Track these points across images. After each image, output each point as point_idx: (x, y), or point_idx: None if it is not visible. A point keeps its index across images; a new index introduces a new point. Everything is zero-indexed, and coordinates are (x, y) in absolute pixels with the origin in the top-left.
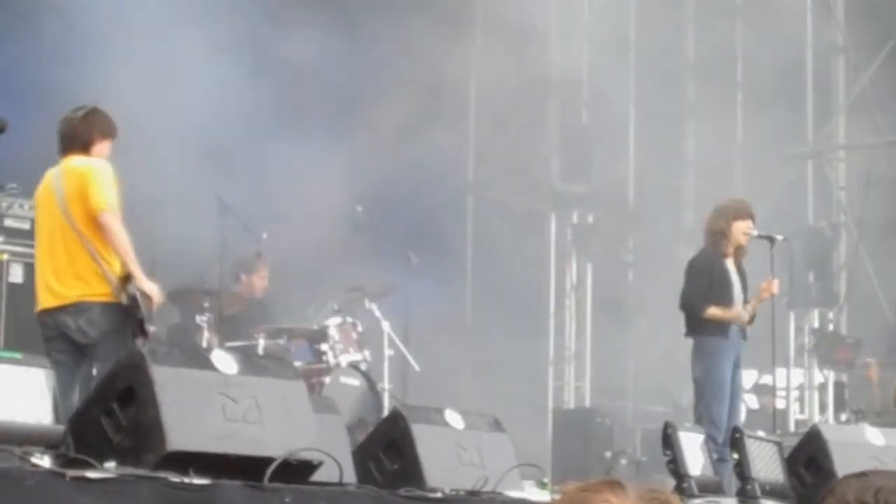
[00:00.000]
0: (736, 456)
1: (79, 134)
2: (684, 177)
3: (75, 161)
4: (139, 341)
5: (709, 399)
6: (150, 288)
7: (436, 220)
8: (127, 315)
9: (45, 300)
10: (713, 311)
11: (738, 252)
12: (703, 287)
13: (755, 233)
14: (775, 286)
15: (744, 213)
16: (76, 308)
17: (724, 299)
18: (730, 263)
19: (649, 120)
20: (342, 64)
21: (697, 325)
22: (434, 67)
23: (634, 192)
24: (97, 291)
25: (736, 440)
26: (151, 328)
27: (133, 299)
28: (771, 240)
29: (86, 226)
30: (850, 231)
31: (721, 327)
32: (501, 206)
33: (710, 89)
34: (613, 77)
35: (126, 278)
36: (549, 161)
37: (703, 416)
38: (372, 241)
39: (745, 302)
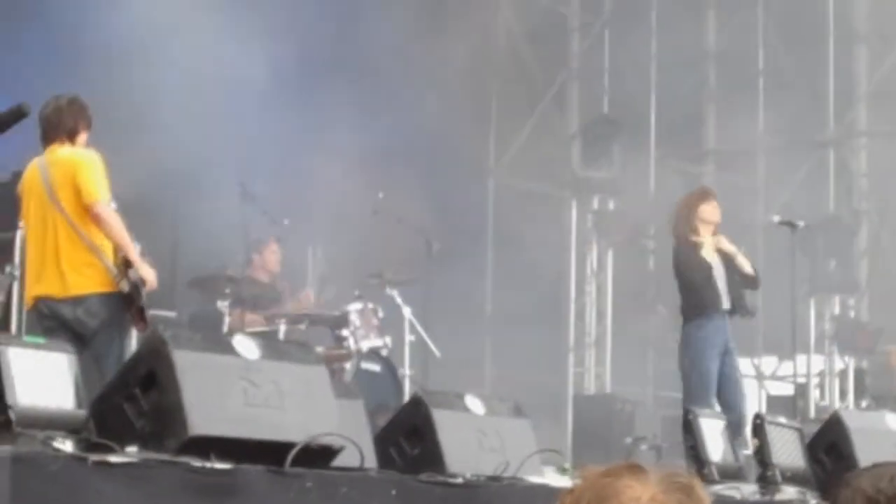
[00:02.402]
0: (756, 442)
1: (65, 122)
2: (705, 164)
3: (62, 151)
4: (160, 326)
5: (696, 389)
6: (148, 272)
7: (457, 206)
8: (126, 303)
9: (40, 288)
10: None
11: (715, 233)
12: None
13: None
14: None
15: (702, 197)
16: (74, 300)
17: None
18: (709, 251)
19: (670, 106)
20: (362, 49)
21: (686, 315)
22: (456, 53)
23: (655, 178)
24: (95, 282)
25: (757, 426)
26: (152, 313)
27: (134, 286)
28: (792, 226)
29: (78, 216)
30: (872, 218)
31: (706, 314)
32: (522, 192)
33: (732, 76)
34: (634, 63)
35: (125, 266)
36: (571, 147)
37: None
38: (393, 226)
39: (737, 279)
